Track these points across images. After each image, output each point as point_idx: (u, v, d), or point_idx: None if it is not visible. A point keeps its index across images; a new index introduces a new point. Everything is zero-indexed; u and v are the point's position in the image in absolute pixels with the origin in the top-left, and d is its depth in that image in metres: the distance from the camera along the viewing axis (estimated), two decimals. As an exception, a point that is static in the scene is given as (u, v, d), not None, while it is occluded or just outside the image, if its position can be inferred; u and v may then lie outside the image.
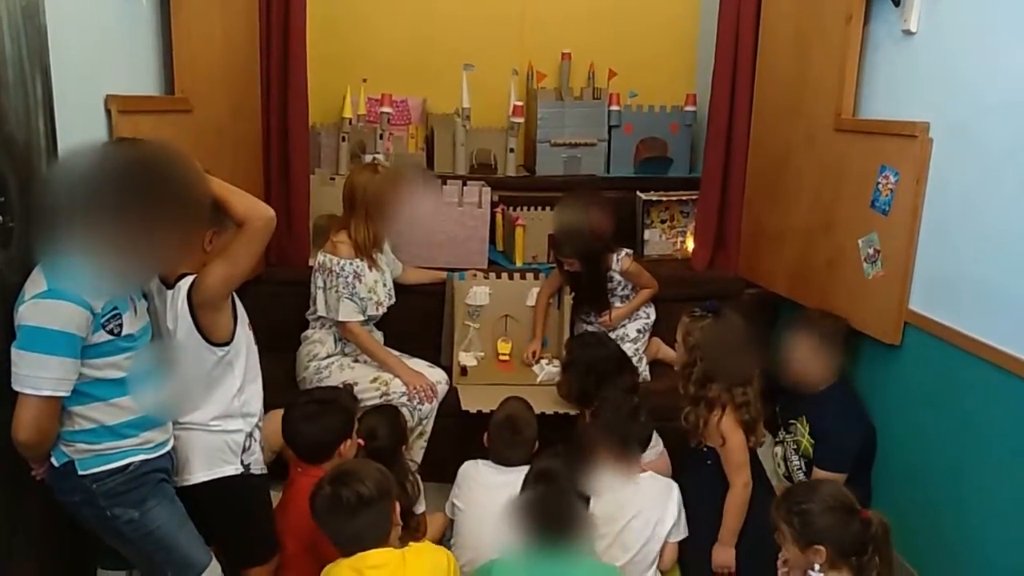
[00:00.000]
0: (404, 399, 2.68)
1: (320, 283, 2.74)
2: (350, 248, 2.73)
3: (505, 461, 2.39)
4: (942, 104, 2.33)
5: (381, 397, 2.66)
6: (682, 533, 2.36)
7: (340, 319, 2.71)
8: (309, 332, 2.84)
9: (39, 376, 1.61)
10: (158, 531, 1.81)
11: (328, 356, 2.78)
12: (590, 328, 3.12)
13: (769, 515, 1.96)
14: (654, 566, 2.29)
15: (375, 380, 2.70)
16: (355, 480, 1.83)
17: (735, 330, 2.41)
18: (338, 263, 2.70)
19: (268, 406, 2.22)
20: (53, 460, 1.75)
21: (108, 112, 2.10)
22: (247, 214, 1.83)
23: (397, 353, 2.86)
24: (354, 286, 2.71)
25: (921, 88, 2.42)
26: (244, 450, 2.03)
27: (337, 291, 2.70)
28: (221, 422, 2.00)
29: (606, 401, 2.51)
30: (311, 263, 2.92)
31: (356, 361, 2.80)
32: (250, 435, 2.05)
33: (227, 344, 1.96)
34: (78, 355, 1.65)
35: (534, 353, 3.04)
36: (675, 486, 2.39)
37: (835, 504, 1.82)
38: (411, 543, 1.92)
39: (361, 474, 1.86)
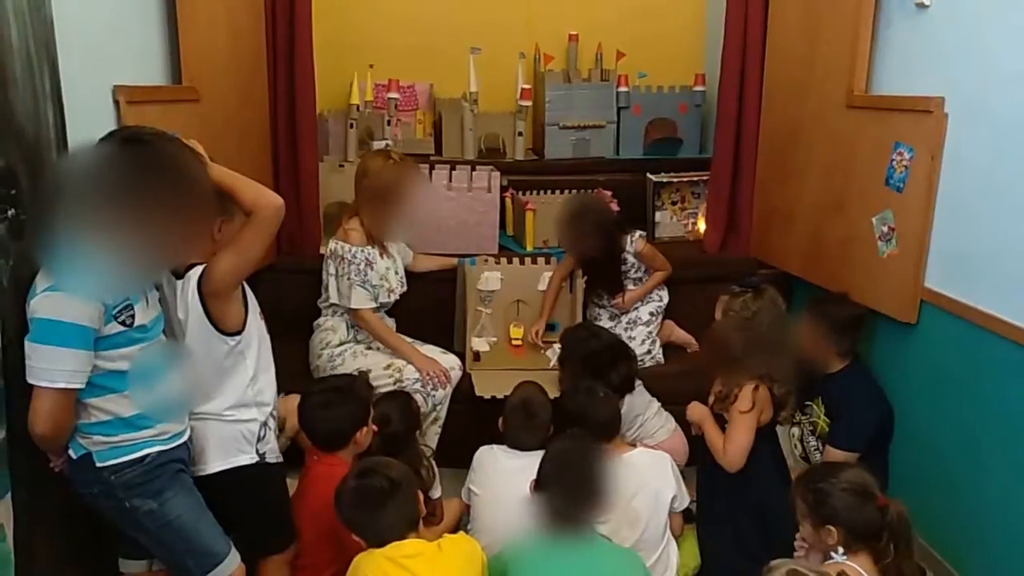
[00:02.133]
0: (418, 385, 2.68)
1: (332, 270, 2.74)
2: (362, 235, 2.72)
3: (520, 444, 2.39)
4: (957, 78, 2.30)
5: (394, 384, 2.66)
6: (685, 501, 2.37)
7: (352, 306, 2.71)
8: (321, 320, 2.84)
9: (53, 369, 1.61)
10: (176, 521, 1.82)
11: (341, 344, 2.78)
12: (603, 312, 3.12)
13: (785, 495, 1.97)
14: (666, 536, 2.30)
15: (388, 367, 2.70)
16: (377, 469, 1.84)
17: (775, 305, 2.40)
18: (350, 250, 2.70)
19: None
20: (71, 452, 1.75)
21: (116, 103, 2.09)
22: (255, 203, 1.82)
23: (409, 339, 2.86)
24: (366, 273, 2.70)
25: (935, 62, 2.39)
26: (259, 439, 2.03)
27: (349, 278, 2.69)
28: (235, 411, 2.00)
29: (564, 393, 2.54)
30: (322, 251, 2.92)
31: (369, 348, 2.80)
32: (265, 424, 2.06)
33: (238, 333, 1.96)
34: (91, 347, 1.65)
35: (537, 332, 3.03)
36: (668, 457, 2.40)
37: (851, 487, 1.82)
38: (445, 535, 1.92)
39: (382, 465, 1.87)
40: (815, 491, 1.84)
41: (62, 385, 1.62)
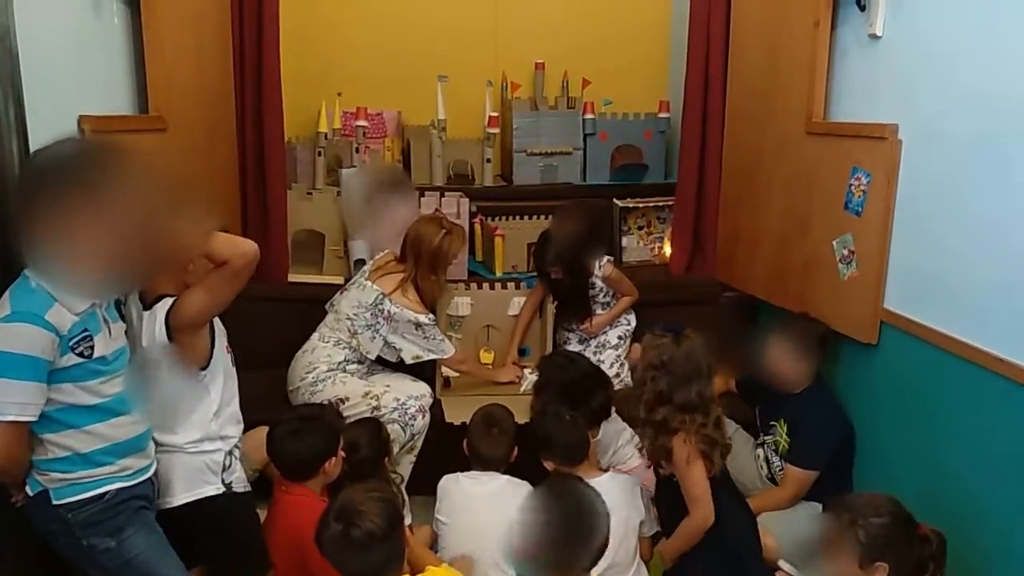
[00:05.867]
0: (396, 415, 2.66)
1: (387, 329, 2.76)
2: (419, 302, 2.78)
3: (483, 459, 2.40)
4: (909, 106, 2.37)
5: (372, 412, 2.65)
6: (654, 527, 2.38)
7: (447, 355, 2.85)
8: (319, 344, 2.80)
9: (3, 401, 1.58)
10: (136, 560, 1.78)
11: (329, 370, 2.75)
12: (572, 336, 3.14)
13: (741, 536, 1.94)
14: (636, 561, 2.30)
15: (366, 395, 2.69)
16: (363, 517, 1.74)
17: (692, 354, 2.22)
18: (428, 317, 2.78)
19: (249, 423, 2.22)
20: (28, 489, 1.71)
21: (82, 132, 2.08)
22: (230, 255, 1.81)
23: (381, 367, 2.87)
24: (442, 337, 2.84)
25: (889, 90, 2.47)
26: (224, 468, 2.02)
27: (434, 338, 2.80)
28: (198, 444, 1.99)
29: (532, 417, 2.55)
30: (291, 278, 2.90)
31: (351, 376, 2.78)
32: (229, 453, 2.05)
33: (203, 368, 1.95)
34: (44, 379, 1.62)
35: (514, 363, 3.06)
36: (638, 481, 2.41)
37: (894, 519, 1.78)
38: (429, 567, 1.89)
39: (368, 509, 1.77)
40: (865, 527, 1.76)
41: (11, 418, 1.59)
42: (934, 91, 2.27)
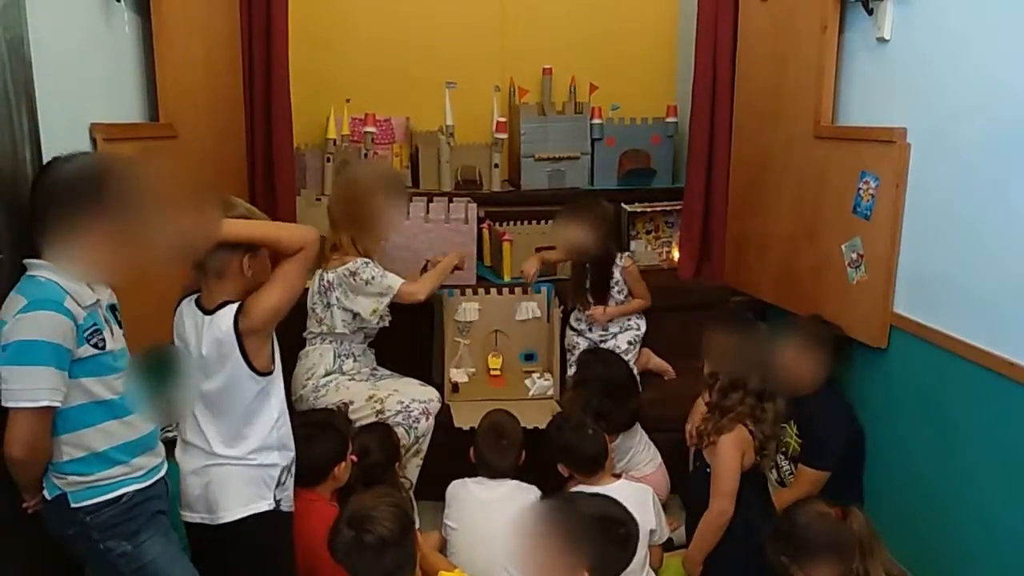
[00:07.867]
0: (399, 418, 2.67)
1: (335, 297, 2.70)
2: (344, 255, 2.71)
3: (492, 469, 2.40)
4: (918, 109, 2.37)
5: (376, 415, 2.65)
6: (665, 534, 2.38)
7: (396, 290, 2.69)
8: (309, 349, 2.81)
9: (33, 388, 1.58)
10: (151, 565, 1.78)
11: (327, 373, 2.75)
12: (580, 340, 3.14)
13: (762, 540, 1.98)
14: (646, 569, 2.30)
15: (371, 398, 2.69)
16: (375, 522, 1.77)
17: (764, 344, 2.38)
18: (355, 264, 2.67)
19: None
20: (45, 493, 1.72)
21: (93, 140, 2.09)
22: (303, 242, 1.84)
23: (388, 372, 2.88)
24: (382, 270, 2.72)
25: (897, 94, 2.47)
26: (278, 484, 1.99)
27: (374, 278, 2.67)
28: (258, 455, 1.95)
29: (553, 421, 2.56)
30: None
31: (352, 380, 2.78)
32: (286, 468, 2.01)
33: (269, 373, 1.94)
34: (66, 367, 1.62)
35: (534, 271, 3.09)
36: (650, 490, 2.42)
37: (815, 517, 1.86)
38: (443, 571, 1.89)
39: (380, 515, 1.80)
40: (792, 542, 1.86)
41: (44, 403, 1.59)
42: (942, 95, 2.27)
